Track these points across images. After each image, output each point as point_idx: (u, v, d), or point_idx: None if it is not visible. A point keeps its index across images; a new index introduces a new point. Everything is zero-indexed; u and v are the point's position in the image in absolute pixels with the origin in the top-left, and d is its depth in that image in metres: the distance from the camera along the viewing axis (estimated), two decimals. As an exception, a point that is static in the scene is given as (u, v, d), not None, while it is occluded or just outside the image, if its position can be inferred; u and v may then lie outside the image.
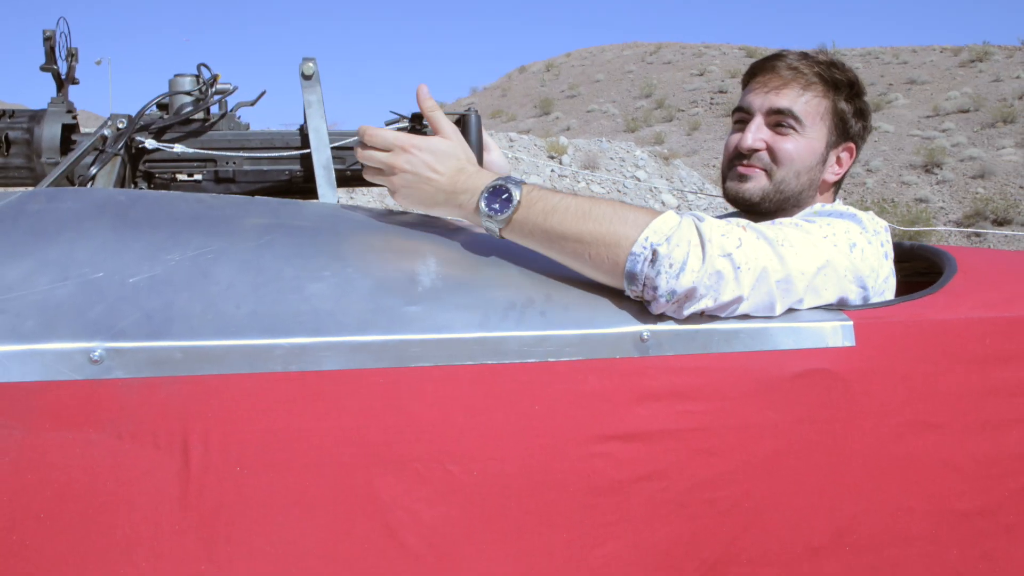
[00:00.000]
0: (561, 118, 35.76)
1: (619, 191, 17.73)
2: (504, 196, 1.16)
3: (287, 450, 1.02)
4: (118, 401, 1.00)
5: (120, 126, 1.34)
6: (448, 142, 1.23)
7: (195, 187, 1.41)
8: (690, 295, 1.10)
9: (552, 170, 17.68)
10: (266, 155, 1.41)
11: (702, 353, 1.12)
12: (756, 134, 1.46)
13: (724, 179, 1.53)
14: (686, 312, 1.11)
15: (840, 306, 1.21)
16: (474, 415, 1.07)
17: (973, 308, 1.26)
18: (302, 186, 1.42)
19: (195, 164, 1.40)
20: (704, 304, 1.11)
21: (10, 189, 1.25)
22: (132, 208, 1.18)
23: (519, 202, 1.16)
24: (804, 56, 1.48)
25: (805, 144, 1.45)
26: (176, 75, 1.40)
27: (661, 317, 1.13)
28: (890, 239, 1.35)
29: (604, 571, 1.09)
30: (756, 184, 1.46)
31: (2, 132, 1.35)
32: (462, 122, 1.41)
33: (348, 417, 1.04)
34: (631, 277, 1.11)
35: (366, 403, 1.04)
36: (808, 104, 1.45)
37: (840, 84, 1.46)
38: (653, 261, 1.09)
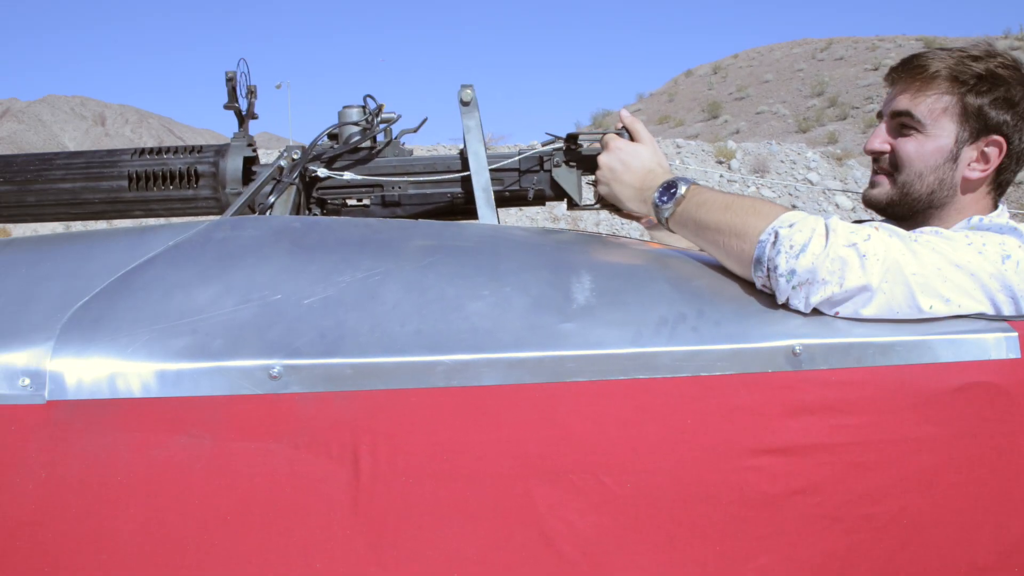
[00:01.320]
0: (730, 121, 35.14)
1: (790, 194, 17.27)
2: (672, 191, 1.31)
3: (449, 461, 1.08)
4: (295, 414, 1.08)
5: (295, 157, 1.44)
6: (644, 147, 1.43)
7: (364, 212, 1.50)
8: (812, 279, 1.11)
9: (721, 175, 17.39)
10: (429, 179, 1.48)
11: (856, 367, 1.11)
12: (879, 137, 1.46)
13: None
14: (812, 300, 1.12)
15: (999, 316, 1.17)
16: (627, 428, 1.09)
17: None
18: (463, 208, 1.48)
19: (363, 190, 1.49)
20: (829, 291, 1.11)
21: (199, 218, 1.37)
22: (306, 234, 1.27)
23: (683, 195, 1.29)
24: (934, 53, 1.44)
25: (929, 144, 1.41)
26: (345, 106, 1.50)
27: (814, 330, 1.12)
28: None
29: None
30: (881, 189, 1.46)
31: (191, 166, 1.48)
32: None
33: (506, 430, 1.08)
34: (757, 262, 1.17)
35: (523, 417, 1.09)
36: (929, 103, 1.41)
37: (966, 78, 1.40)
38: (775, 243, 1.15)
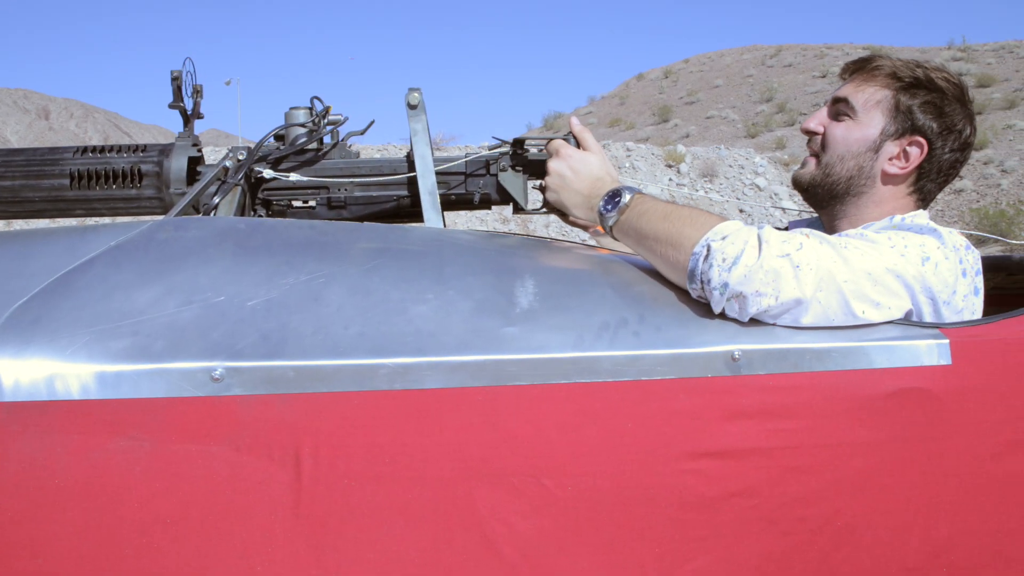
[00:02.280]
0: (680, 125, 35.41)
1: (738, 199, 17.44)
2: (616, 199, 1.34)
3: (391, 464, 1.08)
4: (236, 417, 1.08)
5: (240, 158, 1.43)
6: (593, 155, 1.45)
7: (310, 214, 1.50)
8: (745, 291, 1.14)
9: (670, 179, 17.51)
10: (375, 181, 1.48)
11: (793, 372, 1.14)
12: (816, 119, 1.52)
13: None
14: (750, 311, 1.15)
15: (908, 320, 1.21)
16: (568, 432, 1.11)
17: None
18: (409, 211, 1.49)
19: (309, 192, 1.48)
20: (765, 303, 1.14)
21: (143, 219, 1.35)
22: (250, 235, 1.26)
23: (626, 204, 1.32)
24: (888, 56, 1.51)
25: (856, 130, 1.47)
26: (291, 108, 1.49)
27: (752, 336, 1.15)
28: (977, 257, 1.32)
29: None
30: (807, 169, 1.51)
31: (135, 165, 1.47)
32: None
33: (448, 433, 1.09)
34: (691, 275, 1.19)
35: (465, 420, 1.09)
36: (865, 94, 1.47)
37: (904, 77, 1.46)
38: (707, 256, 1.17)
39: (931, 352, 1.16)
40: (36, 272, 1.20)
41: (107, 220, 1.51)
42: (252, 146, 1.46)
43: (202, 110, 1.54)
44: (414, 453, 1.09)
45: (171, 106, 1.48)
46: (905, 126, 1.45)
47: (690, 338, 1.15)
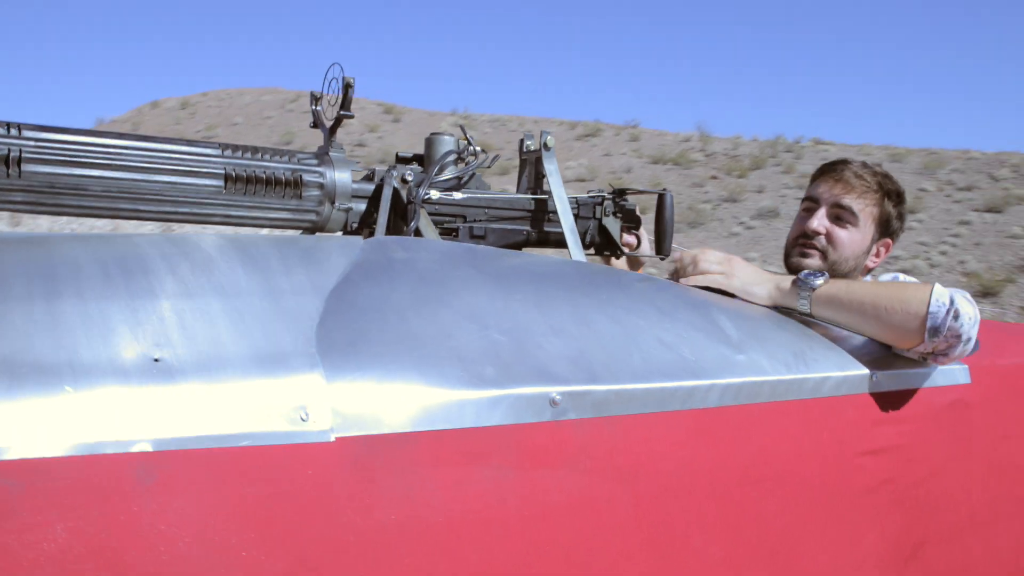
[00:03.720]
0: None
1: None
2: (812, 276, 1.55)
3: (691, 475, 1.24)
4: (573, 440, 1.15)
5: (407, 177, 1.42)
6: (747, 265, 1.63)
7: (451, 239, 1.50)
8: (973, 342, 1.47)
9: None
10: (512, 215, 1.56)
11: (908, 388, 1.51)
12: (821, 221, 1.86)
13: (788, 255, 1.91)
14: (965, 355, 1.49)
15: None
16: (791, 441, 1.37)
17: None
18: (534, 244, 1.58)
19: (453, 218, 1.51)
20: (970, 349, 1.49)
21: (327, 235, 1.31)
22: (482, 261, 1.30)
23: (827, 279, 1.55)
24: (865, 166, 1.90)
25: (858, 236, 1.85)
26: (433, 133, 1.53)
27: (882, 362, 1.49)
28: None
29: (863, 554, 1.43)
30: (813, 261, 1.83)
31: (297, 173, 1.35)
32: (659, 201, 1.67)
33: (722, 446, 1.29)
34: (934, 331, 1.45)
35: (730, 434, 1.29)
36: (865, 206, 1.85)
37: (891, 193, 1.88)
38: (957, 316, 1.44)
39: (962, 374, 1.62)
40: (287, 290, 1.13)
41: (275, 233, 1.32)
42: (414, 167, 1.45)
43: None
44: (703, 466, 1.26)
45: (341, 115, 1.41)
46: (884, 232, 1.90)
47: (847, 364, 1.46)
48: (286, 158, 1.37)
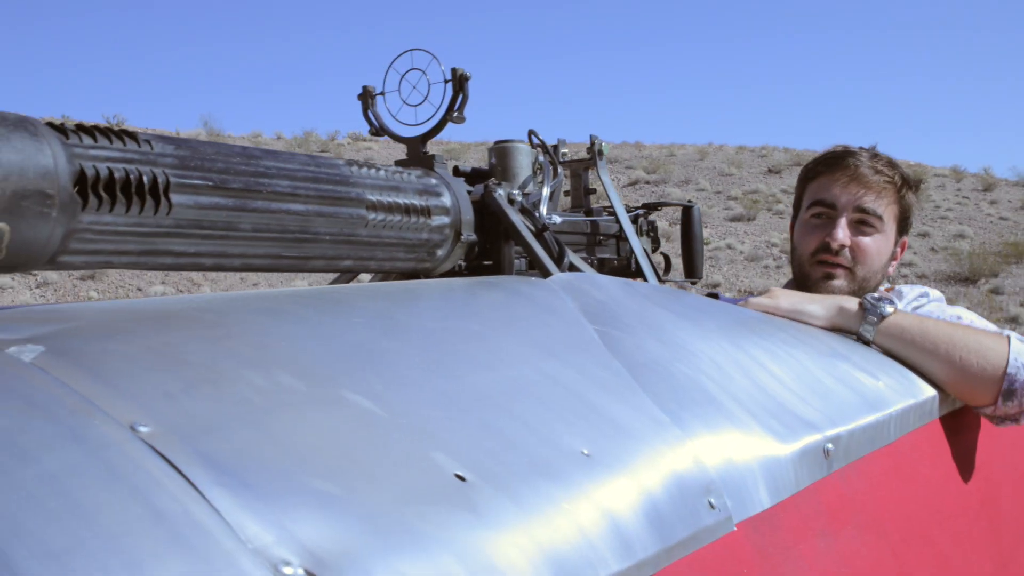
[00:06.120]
0: None
1: None
2: (882, 302, 1.39)
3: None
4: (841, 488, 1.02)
5: (518, 198, 1.16)
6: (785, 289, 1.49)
7: None
8: None
9: None
10: (596, 239, 1.36)
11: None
12: (846, 232, 1.56)
13: (805, 272, 1.63)
14: None
15: None
16: None
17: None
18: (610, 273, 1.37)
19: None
20: None
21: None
22: (666, 298, 1.16)
23: (895, 308, 1.39)
24: (876, 155, 1.60)
25: (883, 242, 1.58)
26: (516, 143, 1.27)
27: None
28: None
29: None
30: (841, 282, 1.57)
31: (427, 199, 1.05)
32: (686, 215, 1.49)
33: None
34: (1009, 393, 1.32)
35: None
36: (887, 205, 1.58)
37: (908, 183, 1.60)
38: None
39: None
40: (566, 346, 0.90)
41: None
42: (505, 184, 1.18)
43: None
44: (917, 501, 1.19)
45: (454, 120, 1.12)
46: (903, 229, 1.65)
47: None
48: (405, 174, 1.04)
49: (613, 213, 1.38)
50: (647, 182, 20.73)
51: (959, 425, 1.40)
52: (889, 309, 1.38)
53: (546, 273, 1.09)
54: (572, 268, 1.17)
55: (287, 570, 0.46)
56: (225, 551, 0.45)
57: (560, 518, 0.62)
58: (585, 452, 0.70)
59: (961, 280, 15.21)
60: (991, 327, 1.48)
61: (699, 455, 0.81)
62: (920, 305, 1.59)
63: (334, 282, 1.22)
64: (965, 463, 1.40)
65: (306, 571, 0.47)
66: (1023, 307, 13.71)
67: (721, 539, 0.77)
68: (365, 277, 1.18)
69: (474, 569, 0.53)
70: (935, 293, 1.66)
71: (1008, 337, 1.36)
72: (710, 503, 0.78)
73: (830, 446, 1.01)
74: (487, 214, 1.12)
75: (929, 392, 1.33)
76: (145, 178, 0.70)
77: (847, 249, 1.57)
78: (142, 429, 0.50)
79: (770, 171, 21.84)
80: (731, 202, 19.72)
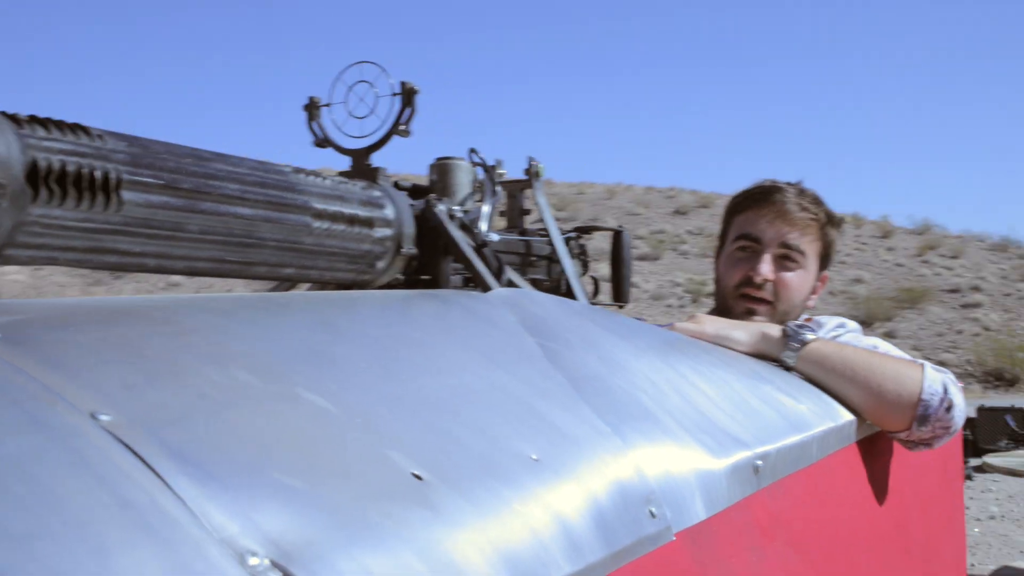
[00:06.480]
0: None
1: None
2: (803, 329, 1.43)
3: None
4: (769, 504, 1.06)
5: (458, 214, 1.16)
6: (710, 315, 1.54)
7: None
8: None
9: None
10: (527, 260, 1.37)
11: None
12: (769, 267, 1.60)
13: (728, 305, 1.66)
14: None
15: None
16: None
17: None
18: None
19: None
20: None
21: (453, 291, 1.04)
22: (593, 316, 1.16)
23: (815, 335, 1.43)
24: (802, 192, 1.64)
25: (805, 277, 1.62)
26: (455, 159, 1.26)
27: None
28: None
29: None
30: (762, 318, 1.60)
31: (372, 209, 1.03)
32: (616, 240, 1.51)
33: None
34: (923, 419, 1.37)
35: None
36: (811, 242, 1.62)
37: (833, 220, 1.65)
38: (950, 407, 1.37)
39: None
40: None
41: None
42: (446, 200, 1.17)
43: None
44: (835, 520, 1.23)
45: (401, 129, 1.11)
46: (824, 264, 1.70)
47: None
48: (350, 184, 1.03)
49: (546, 235, 1.39)
50: (556, 219, 20.98)
51: (875, 449, 1.45)
52: (810, 336, 1.42)
53: (486, 288, 1.10)
54: (511, 284, 1.18)
55: (253, 560, 0.46)
56: (193, 540, 0.45)
57: (513, 519, 0.63)
58: (534, 457, 0.71)
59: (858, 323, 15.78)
60: (906, 356, 1.54)
61: (640, 465, 0.82)
62: (839, 335, 1.64)
63: (273, 290, 1.20)
64: (880, 486, 1.45)
65: (272, 562, 0.47)
66: (915, 351, 14.32)
67: (661, 548, 0.79)
68: (302, 289, 1.16)
69: (434, 566, 0.54)
70: (852, 324, 1.72)
71: (923, 365, 1.41)
72: (651, 512, 0.80)
73: (760, 463, 1.04)
74: (427, 229, 1.12)
75: (847, 416, 1.37)
76: (97, 173, 0.69)
77: (770, 283, 1.61)
78: (103, 418, 0.49)
79: (677, 212, 22.38)
80: (637, 241, 20.13)
